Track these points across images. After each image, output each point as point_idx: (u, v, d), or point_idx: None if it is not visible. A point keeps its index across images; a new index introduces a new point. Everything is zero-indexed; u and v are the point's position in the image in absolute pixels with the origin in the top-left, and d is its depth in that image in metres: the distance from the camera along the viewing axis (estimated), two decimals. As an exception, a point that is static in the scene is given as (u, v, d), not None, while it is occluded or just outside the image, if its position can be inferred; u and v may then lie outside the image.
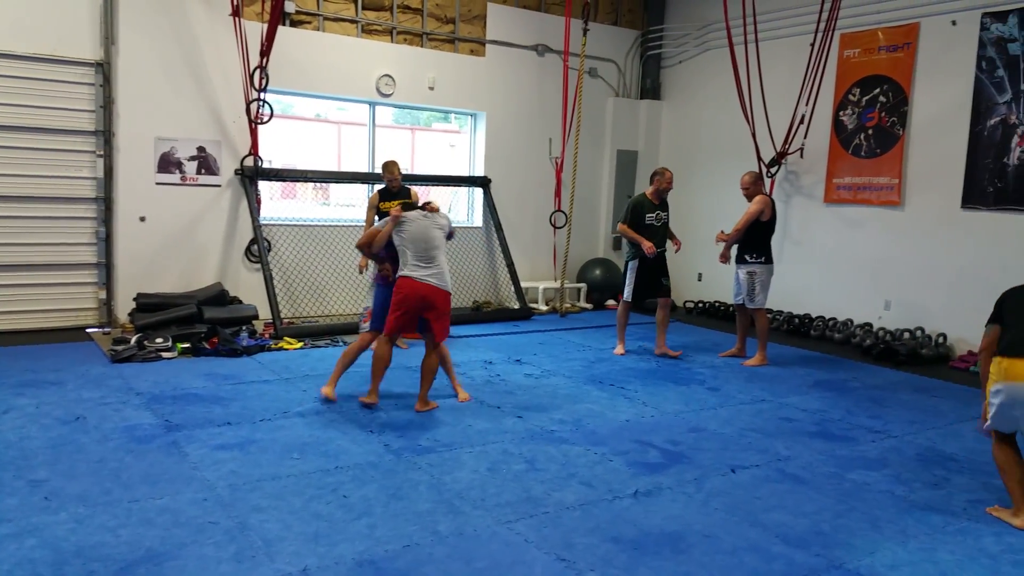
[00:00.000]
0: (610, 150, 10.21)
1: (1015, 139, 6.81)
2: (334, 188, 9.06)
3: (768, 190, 8.57)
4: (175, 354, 6.41)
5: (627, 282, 7.26)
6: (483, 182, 9.29)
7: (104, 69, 7.02)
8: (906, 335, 7.54)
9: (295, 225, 8.17)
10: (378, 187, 6.98)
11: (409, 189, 7.00)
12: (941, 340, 7.35)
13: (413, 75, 8.65)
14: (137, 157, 7.26)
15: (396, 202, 6.85)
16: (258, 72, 7.31)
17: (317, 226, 8.27)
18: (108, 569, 3.00)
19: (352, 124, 8.99)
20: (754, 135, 8.39)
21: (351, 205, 9.03)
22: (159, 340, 6.40)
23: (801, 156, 8.41)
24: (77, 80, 6.95)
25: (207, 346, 6.51)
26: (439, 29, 8.86)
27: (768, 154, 8.49)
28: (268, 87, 7.41)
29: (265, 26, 7.39)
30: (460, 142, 9.66)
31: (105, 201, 7.19)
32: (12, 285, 6.93)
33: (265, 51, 7.26)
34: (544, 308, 9.39)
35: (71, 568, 3.00)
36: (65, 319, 7.18)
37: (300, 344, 7.06)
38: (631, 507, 3.82)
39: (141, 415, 4.91)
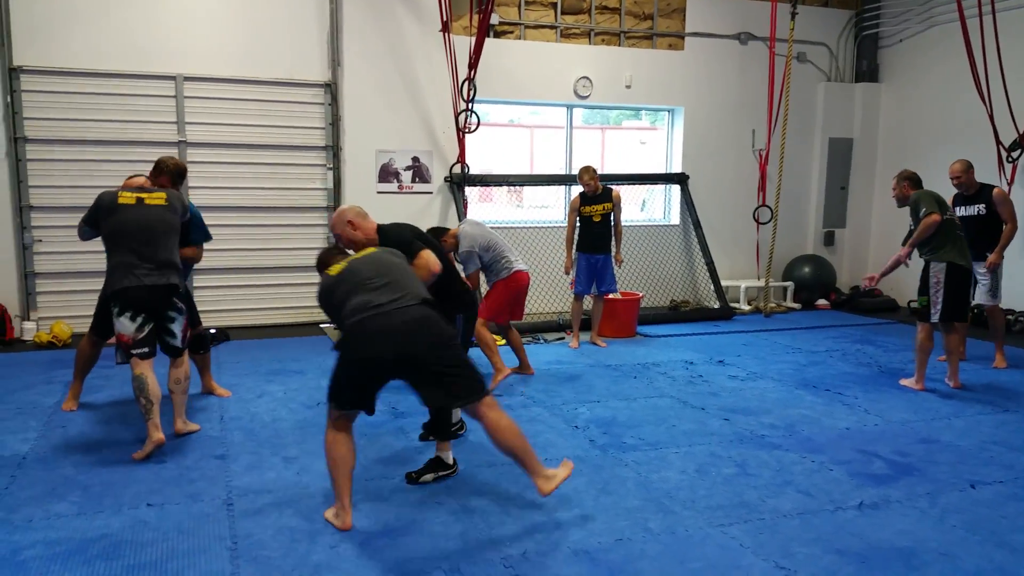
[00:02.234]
0: (820, 139, 9.65)
1: None
2: (528, 191, 9.30)
3: (1009, 177, 7.71)
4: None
5: (938, 296, 5.66)
6: (680, 179, 9.15)
7: (332, 89, 7.74)
8: None
9: (494, 227, 8.47)
10: (578, 190, 7.11)
11: (610, 190, 7.07)
12: None
13: (610, 75, 8.71)
14: (361, 168, 7.93)
15: (599, 206, 6.99)
16: (466, 84, 7.72)
17: (515, 228, 8.56)
18: (352, 540, 3.34)
19: (543, 127, 9.21)
20: (991, 117, 7.56)
21: (544, 207, 9.25)
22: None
23: (1049, 138, 7.47)
24: (309, 100, 7.73)
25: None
26: (637, 26, 8.85)
27: (1008, 137, 7.62)
28: (475, 97, 7.79)
29: (472, 39, 7.78)
30: (652, 139, 9.57)
31: (334, 209, 7.91)
32: (258, 285, 7.83)
33: (473, 63, 7.64)
34: (746, 308, 9.07)
35: (323, 537, 3.37)
36: (301, 315, 8.00)
37: (503, 341, 7.32)
38: (856, 519, 3.62)
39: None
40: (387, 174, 8.04)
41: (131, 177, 4.77)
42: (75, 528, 3.42)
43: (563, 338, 7.54)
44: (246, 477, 4.04)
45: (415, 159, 8.11)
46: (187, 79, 7.32)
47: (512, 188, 9.22)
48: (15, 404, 5.21)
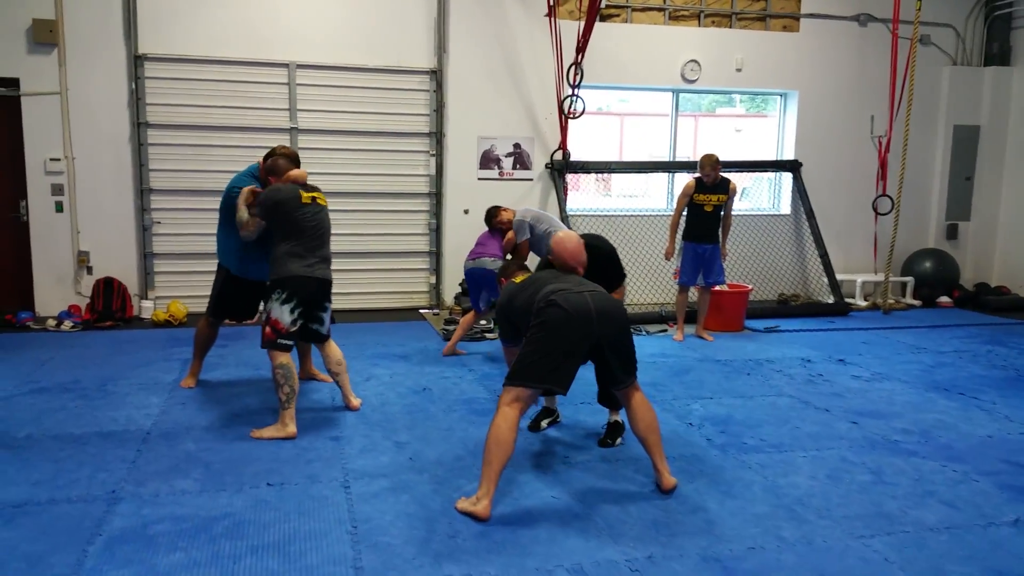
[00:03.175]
0: (944, 126, 9.04)
1: None
2: (616, 179, 8.98)
3: None
4: (496, 335, 6.86)
5: None
6: (793, 166, 8.73)
7: (437, 76, 7.71)
8: None
9: (586, 215, 8.33)
10: (695, 176, 6.86)
11: (728, 181, 6.81)
12: None
13: (719, 58, 8.38)
14: (462, 155, 7.89)
15: (714, 196, 6.72)
16: (573, 68, 7.56)
17: (608, 216, 8.35)
18: (470, 530, 3.26)
19: (631, 115, 8.96)
20: None
21: (632, 196, 8.98)
22: (483, 322, 6.90)
23: None
24: (415, 87, 7.73)
25: (524, 330, 6.87)
26: (749, 8, 8.47)
27: None
28: (581, 82, 7.62)
29: (579, 23, 7.62)
30: (748, 126, 9.17)
31: (436, 196, 7.92)
32: (361, 270, 7.91)
33: (581, 47, 7.48)
34: (863, 304, 8.60)
35: (439, 525, 3.31)
36: (401, 300, 8.05)
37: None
38: (1013, 537, 3.31)
39: (476, 390, 5.32)
40: (488, 160, 7.98)
41: (291, 171, 4.63)
42: (199, 505, 3.48)
43: (665, 330, 7.32)
44: (360, 460, 4.04)
45: (516, 145, 8.02)
46: (299, 66, 7.43)
47: (600, 177, 8.98)
48: (137, 380, 5.40)
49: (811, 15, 8.56)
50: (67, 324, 6.97)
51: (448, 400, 5.08)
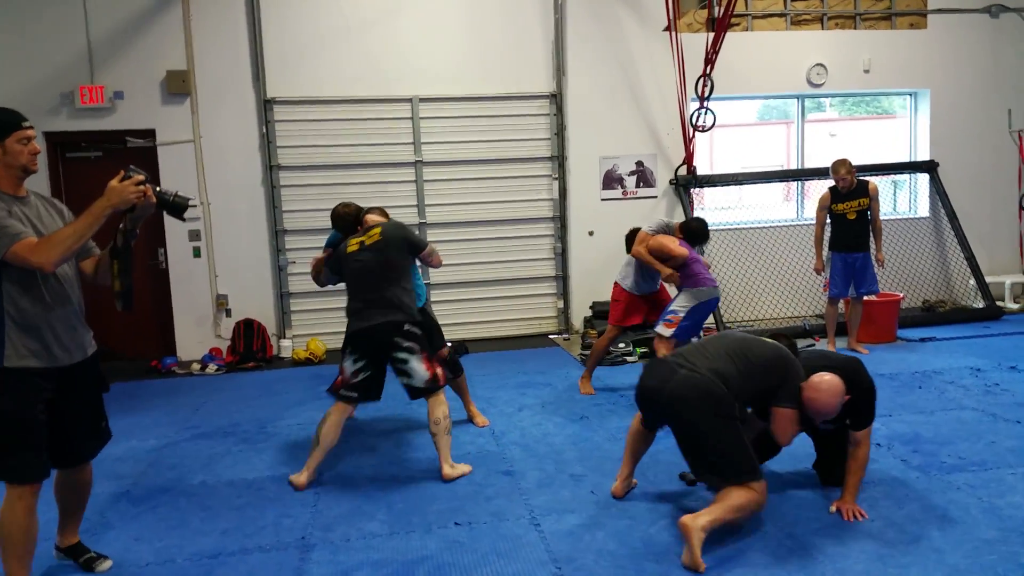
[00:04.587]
0: (1096, 113, 8.46)
1: None
2: (740, 190, 8.68)
3: None
4: (636, 358, 6.74)
5: None
6: (929, 167, 8.31)
7: (557, 99, 7.71)
8: None
9: (722, 229, 8.12)
10: (829, 185, 6.60)
11: (866, 183, 6.52)
12: None
13: (846, 60, 8.08)
14: (585, 177, 7.84)
15: (854, 202, 6.44)
16: (703, 80, 7.43)
17: (743, 229, 8.12)
18: (682, 572, 3.13)
19: (727, 126, 8.69)
20: None
21: (748, 207, 8.63)
22: (621, 345, 6.79)
23: None
24: (535, 112, 7.74)
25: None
26: (873, 7, 8.15)
27: None
28: (709, 96, 7.50)
29: (701, 35, 7.54)
30: (840, 130, 8.84)
31: (560, 219, 7.89)
32: (489, 298, 7.92)
33: (710, 59, 7.36)
34: (1014, 306, 8.06)
35: (647, 564, 3.19)
36: (530, 327, 8.01)
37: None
38: None
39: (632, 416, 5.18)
40: (611, 180, 7.90)
41: (368, 212, 4.70)
42: (394, 549, 3.43)
43: (812, 345, 7.02)
44: (541, 496, 3.96)
45: (639, 163, 7.91)
46: (422, 100, 7.55)
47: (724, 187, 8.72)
48: (295, 420, 5.48)
49: (939, 10, 8.17)
50: (211, 367, 7.19)
51: (610, 428, 4.97)
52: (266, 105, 7.41)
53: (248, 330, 7.52)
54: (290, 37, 7.35)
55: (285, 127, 7.50)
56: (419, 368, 4.17)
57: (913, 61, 8.20)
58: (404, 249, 4.37)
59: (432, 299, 7.53)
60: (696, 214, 7.89)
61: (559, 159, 7.79)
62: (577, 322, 7.91)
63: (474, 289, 7.87)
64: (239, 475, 4.44)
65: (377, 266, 4.26)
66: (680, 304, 5.29)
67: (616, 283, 5.76)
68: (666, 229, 5.57)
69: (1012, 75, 8.24)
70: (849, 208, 6.48)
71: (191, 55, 7.25)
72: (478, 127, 7.67)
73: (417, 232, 7.53)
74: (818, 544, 3.29)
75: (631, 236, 5.68)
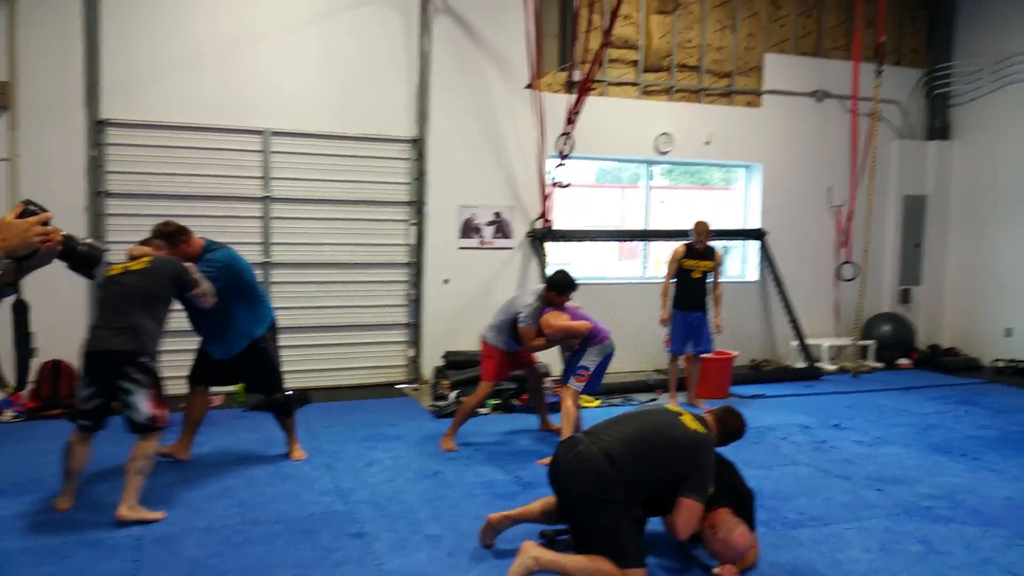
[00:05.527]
0: (895, 196, 9.51)
1: None
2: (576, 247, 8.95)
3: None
4: (488, 410, 6.64)
5: None
6: (759, 234, 8.97)
7: (418, 145, 7.61)
8: None
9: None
10: (686, 243, 6.92)
11: (714, 249, 6.92)
12: None
13: (690, 131, 8.61)
14: (443, 224, 7.75)
15: (702, 263, 6.80)
16: (564, 137, 7.61)
17: (596, 284, 8.33)
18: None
19: (591, 187, 9.09)
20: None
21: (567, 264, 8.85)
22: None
23: None
24: (395, 156, 7.59)
25: (517, 402, 6.68)
26: (715, 84, 8.79)
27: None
28: (569, 155, 7.71)
29: (561, 96, 7.80)
30: (669, 197, 9.57)
31: (416, 265, 7.72)
32: (335, 344, 7.56)
33: (571, 119, 7.58)
34: (831, 367, 8.78)
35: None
36: (378, 376, 7.71)
37: (597, 402, 7.05)
38: (1089, 607, 3.29)
39: (491, 471, 5.05)
40: (469, 229, 7.86)
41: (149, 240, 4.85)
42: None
43: (655, 399, 7.24)
44: (396, 560, 3.71)
45: (497, 214, 7.94)
46: (275, 133, 7.19)
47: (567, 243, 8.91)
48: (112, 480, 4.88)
49: (772, 91, 8.94)
50: (8, 414, 6.32)
51: (465, 484, 4.80)
52: (98, 126, 6.76)
53: (56, 373, 6.68)
54: (132, 56, 6.78)
55: (119, 151, 6.86)
56: (142, 404, 4.11)
57: (749, 136, 8.88)
58: (169, 282, 4.39)
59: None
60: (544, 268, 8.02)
61: (418, 204, 7.66)
62: (428, 372, 7.71)
63: (320, 334, 7.48)
64: (42, 541, 3.85)
65: (134, 291, 4.25)
66: (590, 360, 5.40)
67: (484, 340, 5.70)
68: (541, 300, 5.53)
69: (833, 155, 9.12)
70: (696, 267, 6.83)
71: (15, 65, 6.51)
72: (334, 166, 7.39)
73: (259, 272, 7.14)
74: (680, 604, 3.29)
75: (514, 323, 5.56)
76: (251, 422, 6.04)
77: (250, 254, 7.05)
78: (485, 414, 6.56)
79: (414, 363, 7.77)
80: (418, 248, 7.70)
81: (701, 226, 6.79)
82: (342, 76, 7.37)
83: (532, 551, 3.24)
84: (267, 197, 7.23)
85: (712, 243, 7.00)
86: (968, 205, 9.46)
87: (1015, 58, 8.74)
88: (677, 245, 6.99)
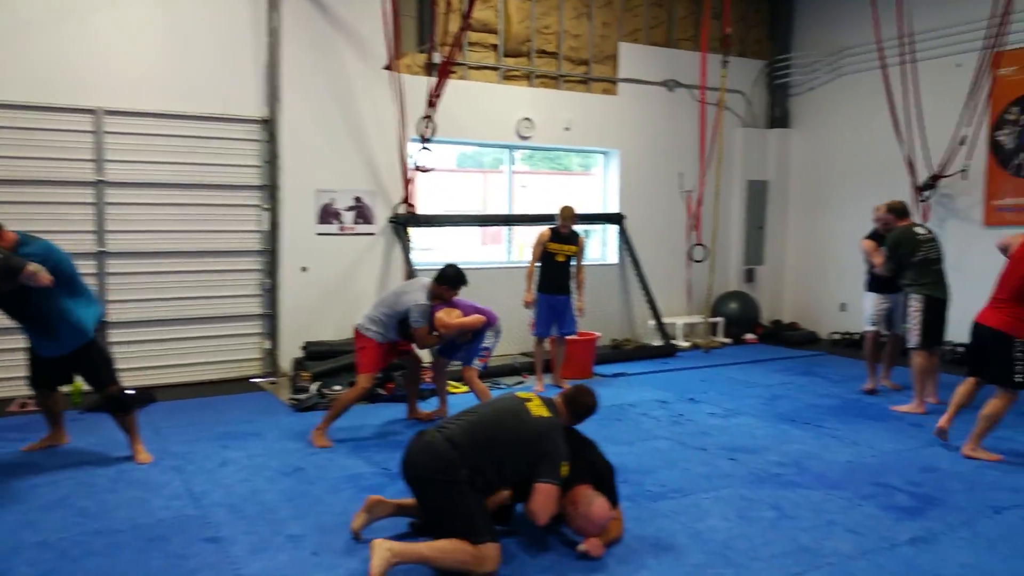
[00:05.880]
0: (740, 181, 10.05)
1: None
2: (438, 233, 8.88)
3: (922, 216, 8.27)
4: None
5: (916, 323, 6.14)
6: (618, 218, 9.21)
7: (269, 126, 7.21)
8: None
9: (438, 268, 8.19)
10: (551, 226, 6.97)
11: (578, 234, 7.01)
12: None
13: (550, 117, 8.68)
14: (299, 209, 7.40)
15: (567, 247, 6.88)
16: (426, 121, 7.44)
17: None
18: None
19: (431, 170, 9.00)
20: (910, 160, 8.15)
21: (427, 249, 8.85)
22: (337, 388, 6.42)
23: (964, 178, 8.08)
24: (244, 137, 7.15)
25: (383, 392, 6.51)
26: (573, 71, 8.90)
27: (912, 181, 8.23)
28: (431, 138, 7.54)
29: (422, 78, 7.63)
30: (530, 183, 9.70)
31: (271, 253, 7.33)
32: (182, 338, 7.07)
33: (432, 101, 7.41)
34: (685, 344, 9.18)
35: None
36: (230, 370, 7.28)
37: (466, 388, 6.99)
38: (917, 556, 3.59)
39: (356, 463, 4.88)
40: (328, 215, 7.56)
41: None
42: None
43: (522, 382, 7.29)
44: (255, 563, 3.49)
45: (357, 199, 7.68)
46: (108, 112, 6.57)
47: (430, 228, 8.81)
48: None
49: (627, 80, 9.18)
50: None
51: (329, 479, 4.60)
52: None
53: None
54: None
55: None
56: None
57: (606, 123, 9.08)
58: None
59: (113, 339, 6.56)
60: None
61: (271, 189, 7.27)
62: (286, 364, 7.37)
63: (166, 328, 6.97)
64: None
65: None
66: (490, 340, 5.73)
67: (359, 331, 5.50)
68: (431, 297, 5.48)
69: (684, 143, 9.50)
70: (561, 251, 6.90)
71: None
72: (176, 147, 6.86)
73: (93, 262, 6.55)
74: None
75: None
76: (89, 424, 5.53)
77: (82, 243, 6.51)
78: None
79: (271, 355, 7.40)
80: (272, 235, 7.32)
81: (567, 211, 6.87)
82: (184, 51, 6.85)
83: (385, 545, 3.23)
84: (100, 181, 6.62)
85: (576, 228, 7.10)
86: (806, 189, 10.15)
87: (847, 51, 9.42)
88: (542, 229, 7.03)
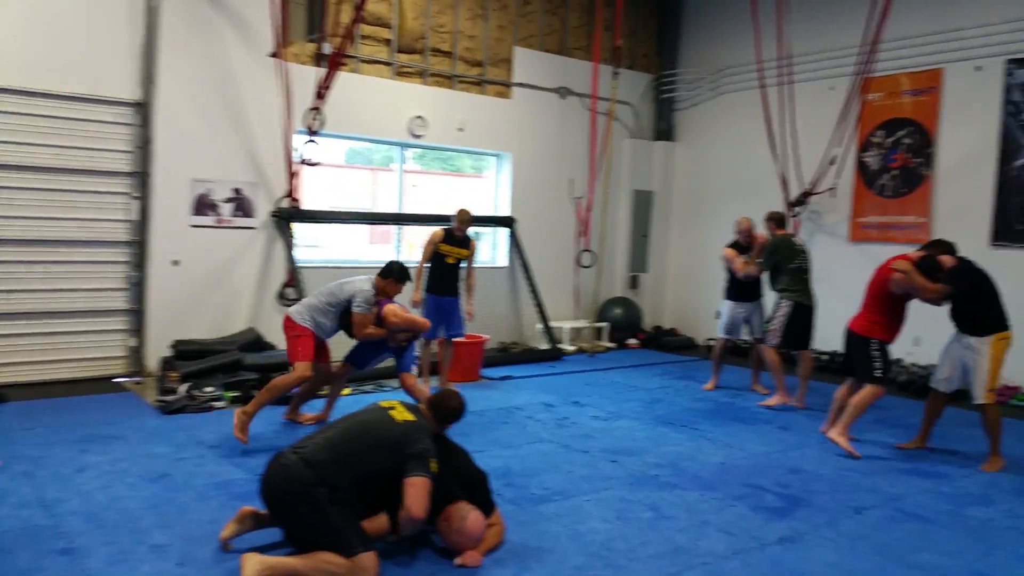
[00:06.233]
0: (627, 190, 10.30)
1: (1045, 180, 7.14)
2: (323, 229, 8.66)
3: (793, 230, 8.73)
4: (225, 403, 6.10)
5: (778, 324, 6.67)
6: (508, 222, 9.24)
7: (142, 109, 6.76)
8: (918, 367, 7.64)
9: (328, 267, 7.96)
10: (445, 227, 6.90)
11: (470, 239, 6.99)
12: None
13: (444, 117, 8.60)
14: (172, 199, 6.98)
15: (458, 250, 6.83)
16: (314, 112, 7.17)
17: (348, 267, 8.05)
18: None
19: (333, 166, 8.88)
20: (783, 177, 8.59)
21: (315, 246, 8.66)
22: (208, 389, 6.09)
23: (833, 195, 8.60)
24: (114, 120, 6.68)
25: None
26: (468, 72, 8.86)
27: (785, 197, 8.69)
28: (319, 131, 7.31)
29: (311, 68, 7.39)
30: (421, 182, 9.74)
31: (139, 244, 6.88)
32: (38, 334, 6.53)
33: (321, 93, 7.17)
34: (571, 348, 9.31)
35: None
36: (91, 369, 6.78)
37: (348, 390, 6.81)
38: (785, 554, 3.74)
39: (227, 470, 4.63)
40: (204, 206, 7.17)
41: None
42: None
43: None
44: (114, 575, 3.23)
45: (237, 190, 7.33)
46: (-45, 85, 5.99)
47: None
48: None
49: (520, 84, 9.22)
50: None
51: (197, 486, 4.34)
52: None
53: None
54: None
55: None
56: None
57: (499, 126, 9.09)
58: None
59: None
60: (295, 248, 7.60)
61: (141, 176, 6.82)
62: (153, 363, 6.92)
63: (18, 322, 6.41)
64: None
65: None
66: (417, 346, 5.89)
67: (291, 319, 5.34)
68: (375, 288, 5.40)
69: (575, 150, 9.64)
70: (452, 254, 6.85)
71: None
72: (35, 128, 6.33)
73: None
74: (431, 591, 3.21)
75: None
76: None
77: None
78: (221, 407, 6.03)
79: (136, 354, 6.93)
80: (142, 225, 6.87)
81: (464, 214, 6.85)
82: (52, 25, 6.33)
83: (256, 558, 3.13)
84: (-56, 160, 6.02)
85: (469, 231, 7.07)
86: (688, 201, 10.53)
87: (728, 70, 9.85)
88: (435, 229, 6.95)
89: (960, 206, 7.78)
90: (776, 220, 6.96)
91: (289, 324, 5.36)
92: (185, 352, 6.71)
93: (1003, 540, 3.99)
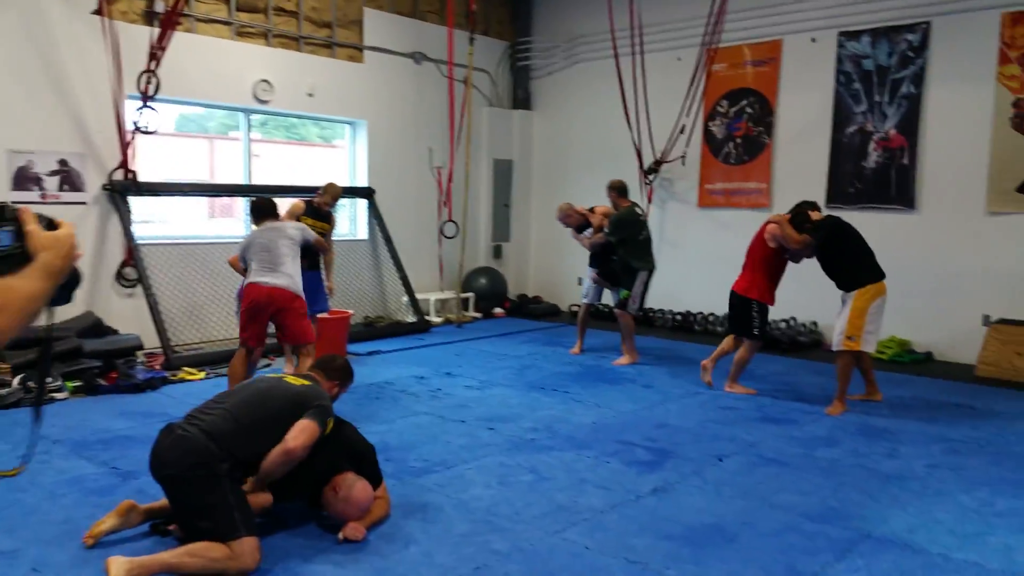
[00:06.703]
0: (487, 159, 10.28)
1: (871, 145, 7.78)
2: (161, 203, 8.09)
3: (647, 197, 9.08)
4: (67, 394, 5.58)
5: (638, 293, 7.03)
6: (367, 193, 8.97)
7: (-56, 69, 5.95)
8: (783, 324, 8.27)
9: (169, 244, 7.43)
10: (306, 199, 6.60)
11: (331, 214, 6.74)
12: (813, 326, 8.17)
13: (291, 81, 8.16)
14: (-12, 172, 6.23)
15: (321, 224, 6.57)
16: (147, 76, 6.57)
17: (194, 244, 7.55)
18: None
19: (165, 135, 8.33)
20: (637, 145, 8.86)
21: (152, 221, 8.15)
22: (47, 380, 5.53)
23: (683, 164, 8.97)
24: (-92, 81, 5.84)
25: (104, 383, 5.73)
26: (316, 33, 8.44)
27: (640, 165, 9.00)
28: (154, 95, 6.73)
29: (146, 28, 6.76)
30: (264, 152, 9.32)
31: (-52, 224, 6.08)
32: None
33: (155, 55, 6.58)
34: (438, 320, 9.24)
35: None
36: None
37: (202, 374, 6.42)
38: (660, 505, 3.90)
39: (79, 465, 4.24)
40: (25, 180, 6.43)
41: None
42: None
43: (269, 364, 6.84)
44: (-58, 594, 2.87)
45: (63, 162, 6.63)
46: None
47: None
48: None
49: (373, 48, 8.91)
50: None
51: (45, 484, 3.94)
52: None
53: None
54: None
55: None
56: None
57: (352, 92, 8.75)
58: None
59: None
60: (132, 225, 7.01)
61: (-52, 146, 6.03)
62: (-24, 355, 6.20)
63: None
64: None
65: None
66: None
67: (292, 295, 5.27)
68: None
69: (433, 118, 9.45)
70: (314, 228, 6.52)
71: None
72: None
73: None
74: (318, 571, 3.08)
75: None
76: None
77: None
78: (63, 399, 5.51)
79: (-46, 346, 6.18)
80: (-48, 202, 6.08)
81: (335, 188, 6.64)
82: None
83: (123, 560, 2.90)
84: None
85: (293, 197, 6.83)
86: (547, 169, 10.66)
87: (583, 39, 9.97)
88: (296, 201, 6.62)
89: (798, 172, 8.35)
90: (618, 189, 7.17)
91: (295, 301, 5.25)
92: (15, 341, 6.02)
93: (849, 477, 4.35)
